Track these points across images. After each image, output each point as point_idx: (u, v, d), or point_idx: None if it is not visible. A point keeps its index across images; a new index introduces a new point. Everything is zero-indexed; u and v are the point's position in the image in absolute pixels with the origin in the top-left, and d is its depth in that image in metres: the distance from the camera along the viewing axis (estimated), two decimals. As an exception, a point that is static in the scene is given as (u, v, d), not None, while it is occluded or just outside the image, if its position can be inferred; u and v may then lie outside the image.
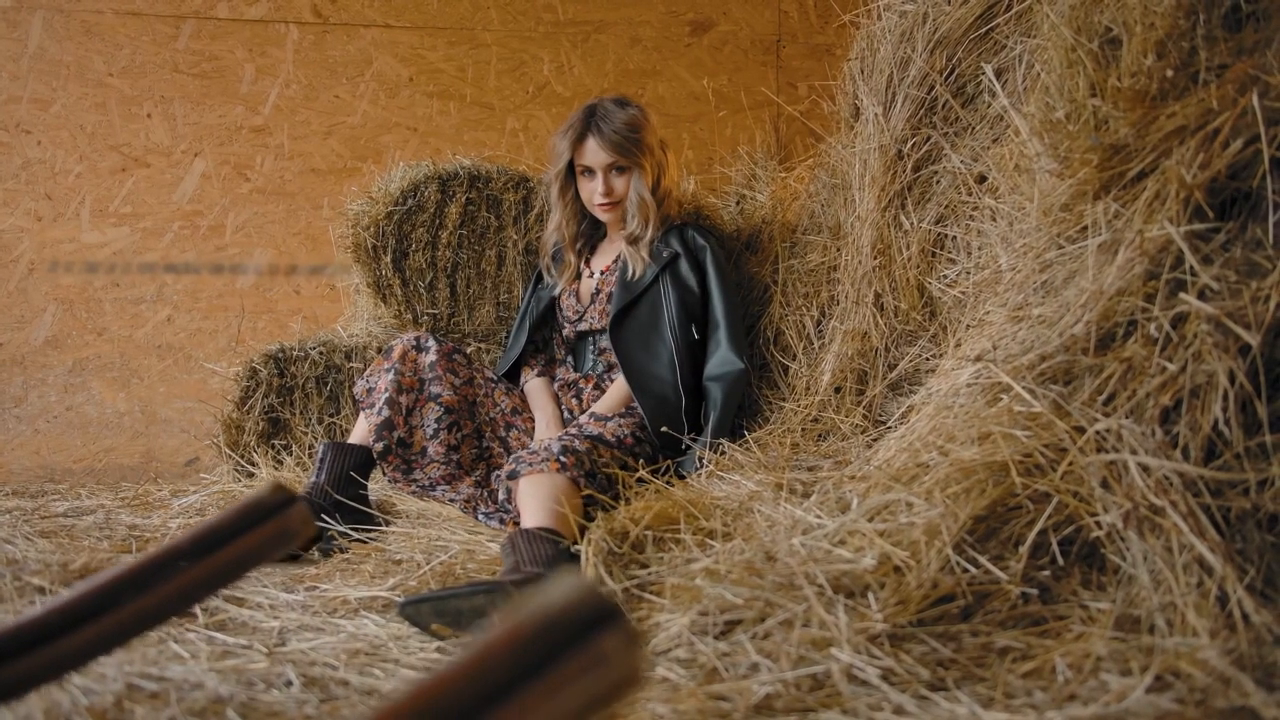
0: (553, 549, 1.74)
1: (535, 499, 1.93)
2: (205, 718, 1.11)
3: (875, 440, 2.22)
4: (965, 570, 1.39)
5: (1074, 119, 1.80)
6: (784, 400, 2.51)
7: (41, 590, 1.63)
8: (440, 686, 0.47)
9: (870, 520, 1.55)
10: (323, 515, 2.14)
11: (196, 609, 1.64)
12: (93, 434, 3.45)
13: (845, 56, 3.74)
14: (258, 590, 1.79)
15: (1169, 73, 1.64)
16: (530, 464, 2.04)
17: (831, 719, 1.11)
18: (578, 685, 0.49)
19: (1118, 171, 1.71)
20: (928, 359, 2.36)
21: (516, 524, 2.05)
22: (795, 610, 1.30)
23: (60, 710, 1.08)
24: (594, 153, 2.49)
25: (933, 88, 2.36)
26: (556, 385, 2.62)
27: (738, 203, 3.19)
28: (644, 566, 1.67)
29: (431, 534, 2.09)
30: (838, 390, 2.42)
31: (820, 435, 2.37)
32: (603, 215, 2.57)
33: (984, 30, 2.33)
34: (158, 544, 0.98)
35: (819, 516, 1.63)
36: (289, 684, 1.29)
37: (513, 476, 2.06)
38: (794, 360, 2.56)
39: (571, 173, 2.57)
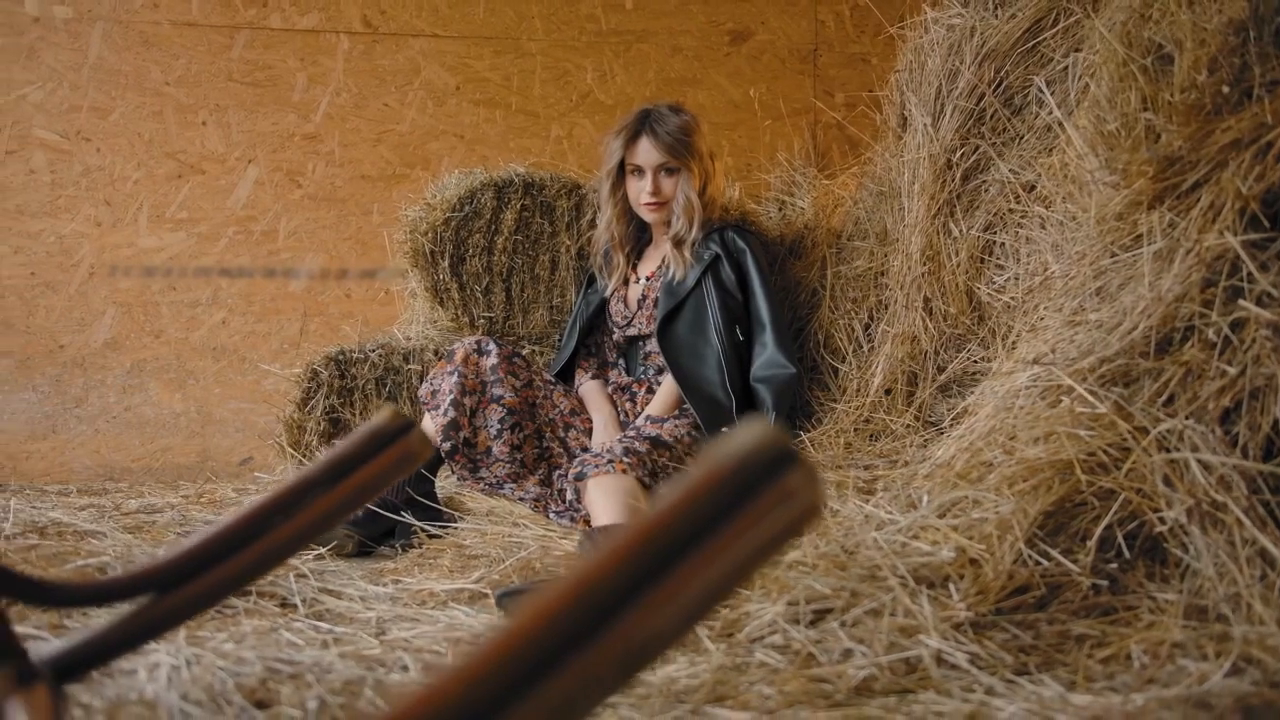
0: (632, 543, 1.82)
1: (607, 498, 2.01)
2: (344, 696, 1.19)
3: (928, 441, 2.30)
4: (1038, 563, 1.47)
5: (1126, 132, 1.88)
6: (835, 401, 2.58)
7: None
8: (658, 522, 0.54)
9: (941, 516, 1.63)
10: (400, 512, 2.23)
11: (297, 600, 1.73)
12: (150, 434, 3.55)
13: (881, 66, 3.83)
14: (348, 584, 1.88)
15: (1225, 89, 1.71)
16: (597, 466, 2.12)
17: (929, 700, 1.19)
18: (770, 519, 0.55)
19: (1172, 183, 1.78)
20: (976, 362, 2.43)
21: (587, 522, 2.13)
22: (883, 599, 1.38)
23: (214, 689, 1.17)
24: (646, 152, 2.58)
25: (981, 98, 2.44)
26: (610, 388, 2.70)
27: (780, 209, 3.27)
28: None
29: (504, 530, 2.17)
30: (888, 392, 2.50)
31: (872, 435, 2.45)
32: (648, 215, 2.64)
33: (1031, 44, 2.41)
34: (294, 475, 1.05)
35: (889, 512, 1.71)
36: (405, 668, 1.38)
37: (579, 478, 2.14)
38: (843, 362, 2.64)
39: (622, 172, 2.65)
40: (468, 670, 0.50)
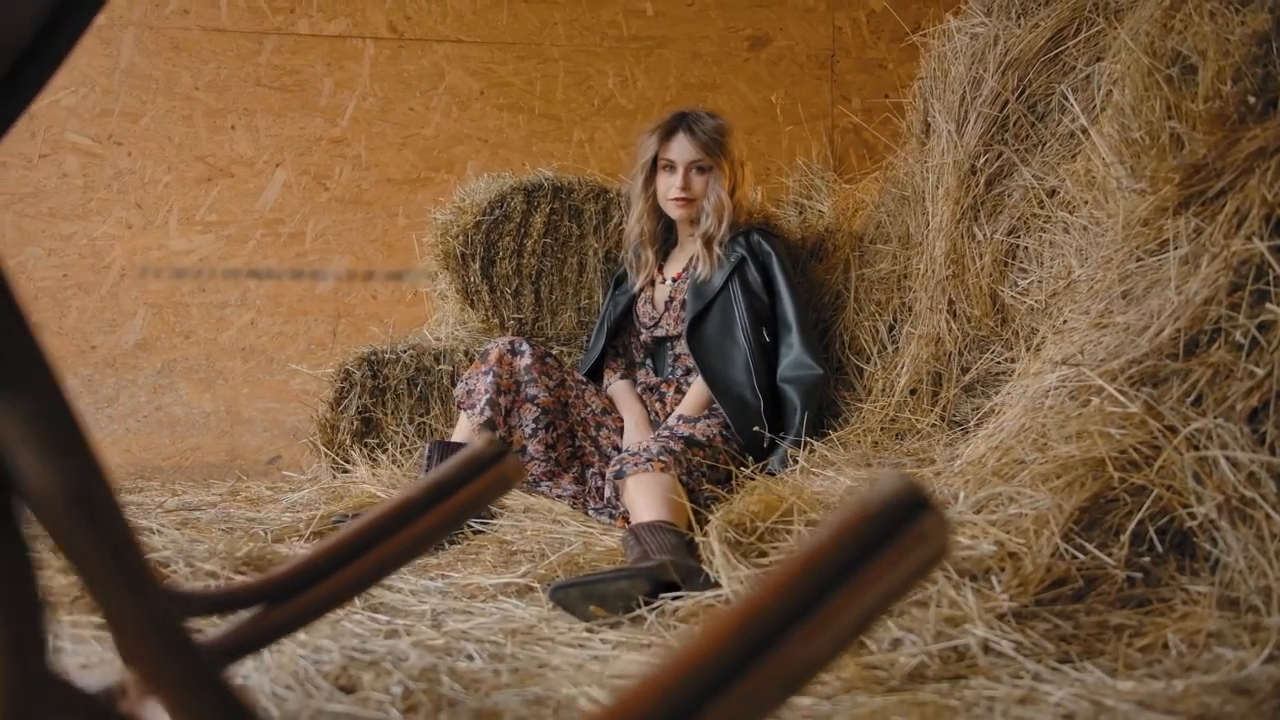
0: (676, 537, 1.88)
1: (647, 495, 2.07)
2: (423, 682, 1.25)
3: (954, 440, 2.36)
4: (1074, 557, 1.53)
5: (1152, 140, 1.94)
6: (861, 401, 2.64)
7: (214, 575, 1.77)
8: (812, 559, 0.60)
9: (978, 512, 1.69)
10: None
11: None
12: (180, 433, 3.61)
13: (897, 71, 3.89)
14: (397, 578, 1.93)
15: (1250, 98, 1.77)
16: (635, 464, 2.18)
17: (980, 685, 1.25)
18: (908, 559, 0.62)
19: (1197, 190, 1.84)
20: (999, 363, 2.49)
21: (625, 519, 2.19)
22: (928, 591, 1.44)
23: (301, 675, 1.23)
24: (680, 148, 2.65)
25: (1005, 106, 2.49)
26: (638, 388, 2.76)
27: (799, 212, 3.33)
28: (763, 555, 1.81)
29: (543, 526, 2.23)
30: (913, 392, 2.56)
31: (898, 434, 2.51)
32: (675, 210, 2.70)
33: (1053, 53, 2.47)
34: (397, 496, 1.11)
35: (926, 509, 1.77)
36: (470, 658, 1.43)
37: (619, 476, 2.20)
38: (868, 363, 2.70)
39: (655, 169, 2.71)
40: (651, 685, 0.56)
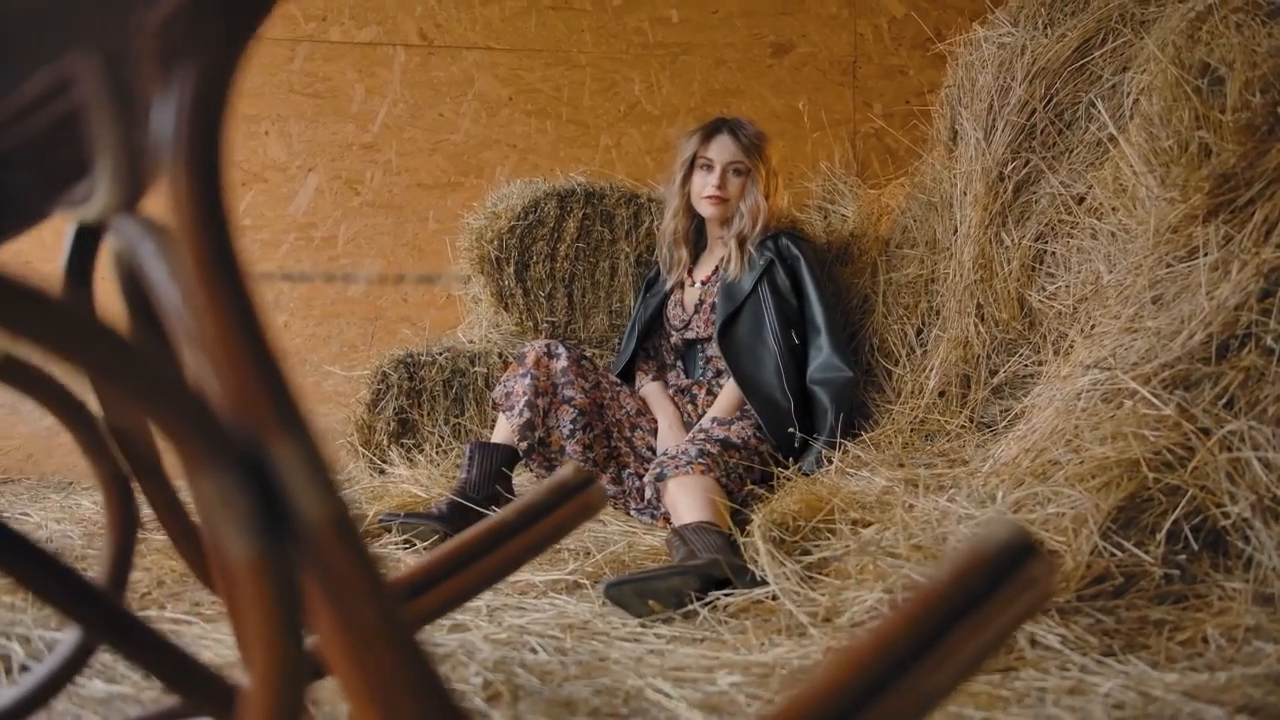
0: (720, 538, 1.94)
1: (689, 497, 2.13)
2: (499, 673, 1.31)
3: (984, 441, 2.41)
4: (1112, 554, 1.58)
5: (1181, 149, 1.99)
6: (890, 403, 2.70)
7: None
8: (937, 596, 0.66)
9: (1015, 511, 1.75)
10: (492, 506, 2.35)
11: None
12: (215, 434, 3.66)
13: (918, 78, 3.95)
14: (449, 574, 1.99)
15: (1280, 111, 1.82)
16: (676, 467, 2.24)
17: (1030, 677, 1.31)
18: (1019, 601, 0.68)
19: (1226, 198, 1.89)
20: (1027, 366, 2.55)
21: (667, 520, 2.24)
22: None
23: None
24: (721, 147, 2.71)
25: (1033, 114, 2.55)
26: (670, 390, 2.82)
27: (824, 217, 3.39)
28: (806, 553, 1.87)
29: (587, 526, 2.29)
30: (941, 394, 2.62)
31: (928, 435, 2.57)
32: (707, 208, 2.76)
33: (1080, 63, 2.52)
34: (485, 520, 1.17)
35: (965, 507, 1.83)
36: (534, 650, 1.49)
37: (660, 479, 2.26)
38: (897, 366, 2.75)
39: (693, 168, 2.78)
40: (795, 708, 0.61)
